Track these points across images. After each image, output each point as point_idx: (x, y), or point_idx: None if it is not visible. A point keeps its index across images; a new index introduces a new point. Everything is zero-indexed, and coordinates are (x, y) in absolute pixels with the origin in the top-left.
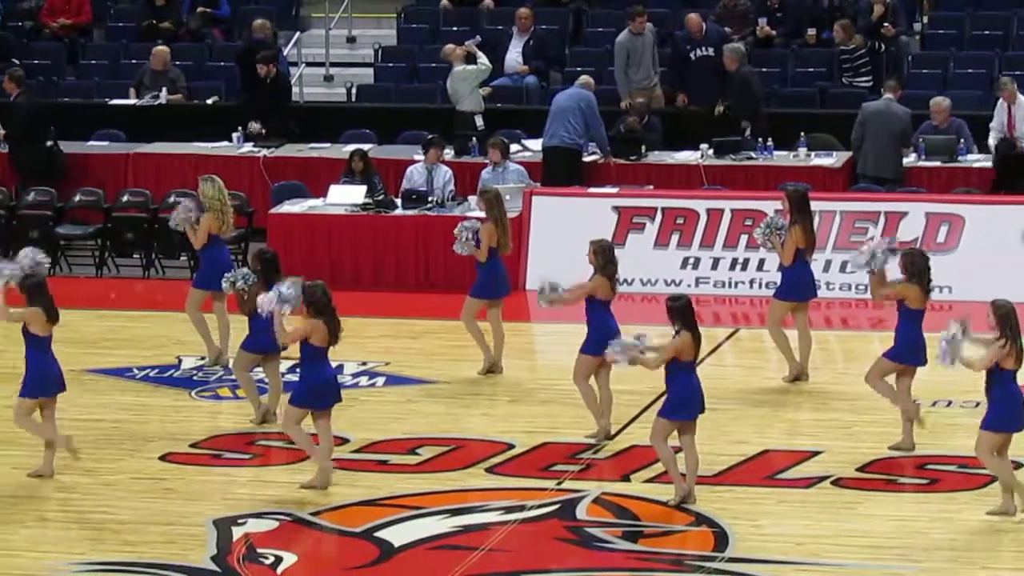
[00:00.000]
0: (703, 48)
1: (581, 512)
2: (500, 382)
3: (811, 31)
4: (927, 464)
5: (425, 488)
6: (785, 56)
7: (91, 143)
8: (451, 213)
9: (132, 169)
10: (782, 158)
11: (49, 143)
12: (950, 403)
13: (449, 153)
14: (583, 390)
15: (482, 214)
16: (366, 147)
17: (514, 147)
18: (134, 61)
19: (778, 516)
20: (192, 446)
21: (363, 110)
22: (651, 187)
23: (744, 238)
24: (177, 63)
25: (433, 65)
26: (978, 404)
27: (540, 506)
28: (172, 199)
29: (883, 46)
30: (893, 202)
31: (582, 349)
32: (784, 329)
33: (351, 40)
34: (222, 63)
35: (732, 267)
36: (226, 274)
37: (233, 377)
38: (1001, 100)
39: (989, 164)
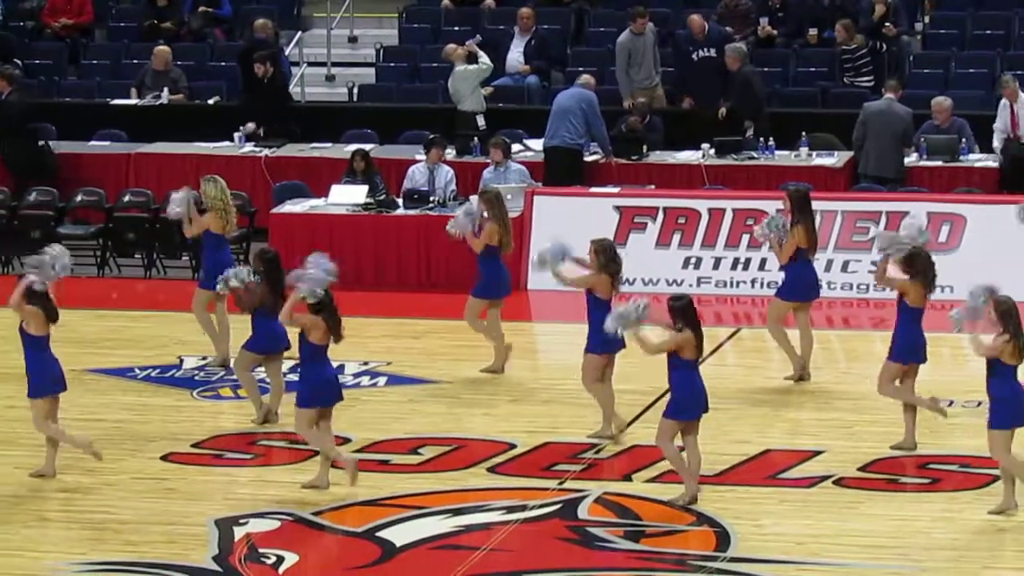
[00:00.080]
0: (705, 49)
1: (583, 512)
2: (501, 382)
3: (812, 31)
4: (929, 464)
5: (427, 488)
6: (786, 56)
7: (92, 143)
8: (453, 213)
9: (134, 169)
10: (784, 158)
11: (40, 142)
12: (952, 403)
13: (451, 153)
14: (594, 392)
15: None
16: (368, 147)
17: (516, 147)
18: (135, 61)
19: (780, 516)
20: (194, 446)
21: (365, 110)
22: (653, 187)
23: (746, 238)
24: (178, 63)
25: (435, 65)
26: (980, 404)
27: (542, 506)
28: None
29: (884, 46)
30: (895, 202)
31: (588, 349)
32: (785, 330)
33: (353, 40)
34: (223, 63)
35: (734, 267)
36: (219, 276)
37: (234, 377)
38: (1004, 99)
39: (991, 164)
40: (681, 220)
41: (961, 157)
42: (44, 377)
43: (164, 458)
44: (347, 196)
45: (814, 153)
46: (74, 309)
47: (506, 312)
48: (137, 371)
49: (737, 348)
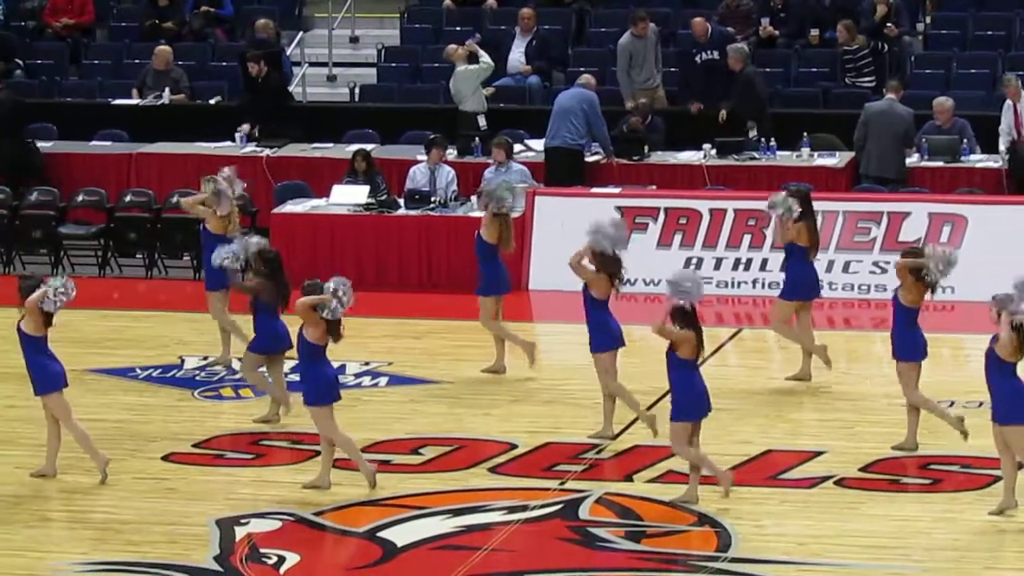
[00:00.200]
0: (708, 51)
1: (584, 512)
2: (503, 382)
3: (814, 31)
4: (930, 464)
5: (428, 488)
6: (788, 56)
7: (94, 143)
8: (454, 213)
9: (135, 169)
10: (785, 158)
11: (28, 140)
12: (952, 403)
13: (452, 153)
14: (618, 391)
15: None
16: (369, 147)
17: (517, 147)
18: (137, 61)
19: (781, 516)
20: (195, 446)
21: (366, 110)
22: (654, 187)
23: (747, 238)
24: (180, 63)
25: (436, 65)
26: (981, 404)
27: (543, 506)
28: (175, 199)
29: (886, 46)
30: (896, 202)
31: (595, 350)
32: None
33: (354, 40)
34: (225, 63)
35: (735, 267)
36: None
37: (236, 377)
38: (1007, 100)
39: (992, 164)
40: (682, 220)
41: (962, 158)
42: (49, 375)
43: (165, 458)
44: (348, 196)
45: (815, 153)
46: (75, 309)
47: (507, 312)
48: (138, 371)
49: (738, 348)
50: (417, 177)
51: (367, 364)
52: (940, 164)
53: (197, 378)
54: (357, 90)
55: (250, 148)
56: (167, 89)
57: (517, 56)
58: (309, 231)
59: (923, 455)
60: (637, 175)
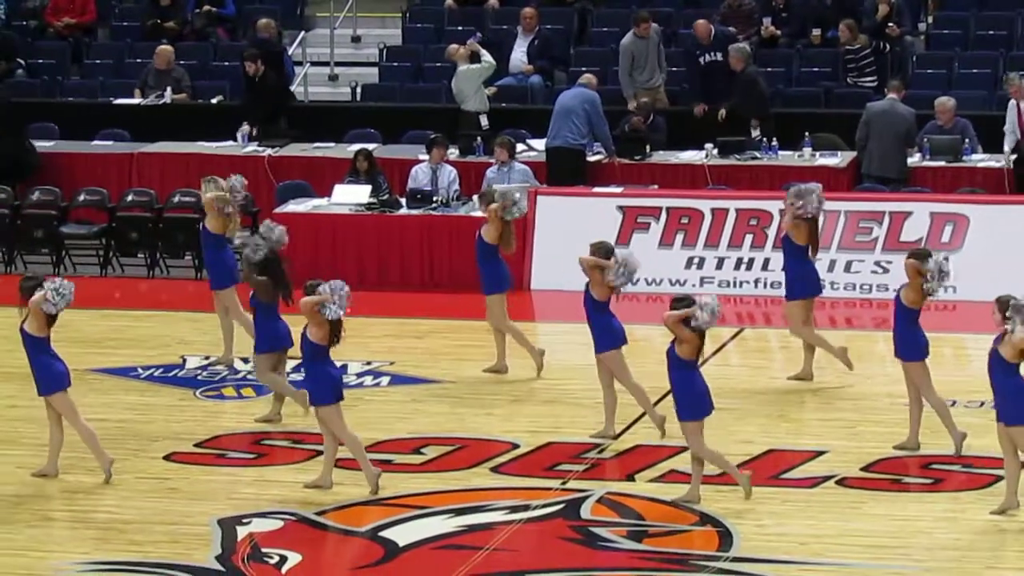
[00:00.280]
0: (712, 53)
1: (586, 512)
2: (504, 382)
3: (816, 31)
4: (932, 464)
5: (430, 488)
6: (790, 56)
7: (95, 142)
8: (456, 213)
9: (136, 169)
10: (787, 158)
11: (25, 140)
12: (954, 402)
13: (454, 153)
14: (633, 389)
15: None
16: (371, 147)
17: (519, 147)
18: (138, 60)
19: (782, 516)
20: (196, 446)
21: (368, 110)
22: (656, 187)
23: (749, 238)
24: (181, 62)
25: (438, 65)
26: (982, 404)
27: (545, 505)
28: (177, 199)
29: (888, 46)
30: (898, 202)
31: (601, 350)
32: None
33: (356, 39)
34: (227, 63)
35: (737, 267)
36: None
37: (237, 377)
38: (1011, 100)
39: (994, 164)
40: (684, 220)
41: (964, 157)
42: (52, 374)
43: (167, 458)
44: (350, 196)
45: (817, 153)
46: (77, 309)
47: (510, 312)
48: (140, 371)
49: (740, 348)
50: (419, 177)
51: (369, 364)
52: (942, 164)
53: (199, 378)
54: (359, 90)
55: (252, 148)
56: (169, 89)
57: (519, 56)
58: (311, 231)
59: (925, 455)
60: (639, 175)
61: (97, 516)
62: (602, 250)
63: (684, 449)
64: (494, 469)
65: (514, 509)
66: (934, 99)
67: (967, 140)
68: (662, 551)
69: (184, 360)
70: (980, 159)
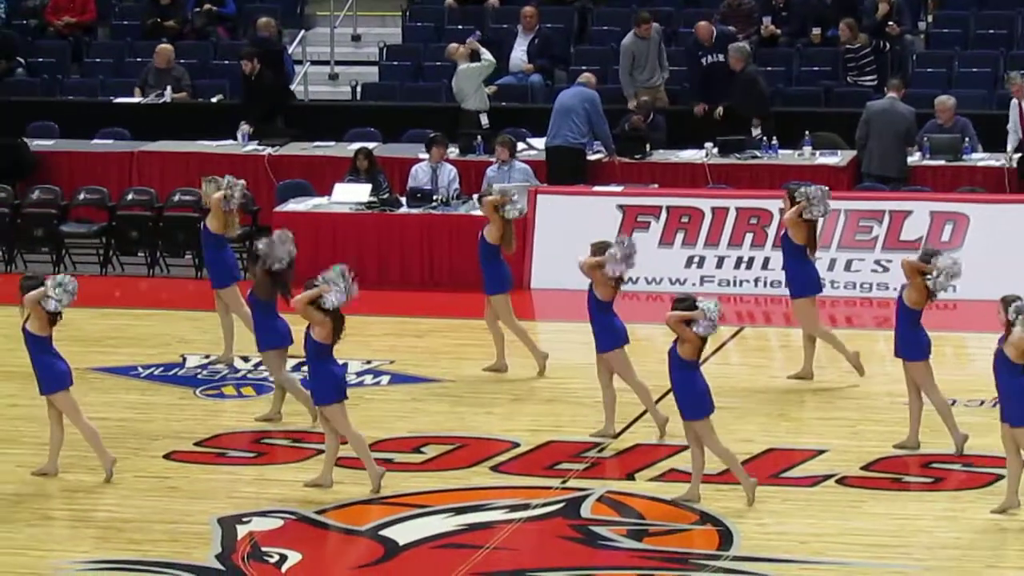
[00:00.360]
0: (714, 54)
1: (586, 511)
2: (504, 380)
3: (816, 30)
4: (932, 463)
5: (430, 486)
6: (790, 55)
7: (95, 141)
8: (456, 212)
9: (136, 167)
10: (787, 157)
11: (19, 139)
12: (954, 401)
13: (454, 152)
14: (637, 388)
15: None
16: (371, 145)
17: (519, 146)
18: (139, 59)
19: (783, 515)
20: (196, 444)
21: (368, 108)
22: (656, 186)
23: (749, 237)
24: (182, 61)
25: (438, 63)
26: (982, 403)
27: (545, 504)
28: (177, 198)
29: (888, 45)
30: (898, 201)
31: (604, 349)
32: (788, 329)
33: (356, 38)
34: (227, 61)
35: (737, 266)
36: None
37: (237, 375)
38: (1013, 99)
39: (994, 163)
40: (684, 219)
41: (964, 156)
42: (55, 373)
43: (167, 456)
44: (350, 195)
45: (817, 152)
46: (77, 308)
47: None
48: (140, 369)
49: (740, 347)
50: (419, 175)
51: (369, 363)
52: (942, 163)
53: (199, 376)
54: (359, 88)
55: (252, 147)
56: (169, 87)
57: (519, 54)
58: (311, 230)
59: (925, 454)
60: (639, 174)
61: (97, 515)
62: (601, 250)
63: (684, 448)
64: (494, 468)
65: (514, 508)
66: (934, 98)
67: (967, 139)
68: (662, 550)
69: (184, 359)
70: (980, 158)
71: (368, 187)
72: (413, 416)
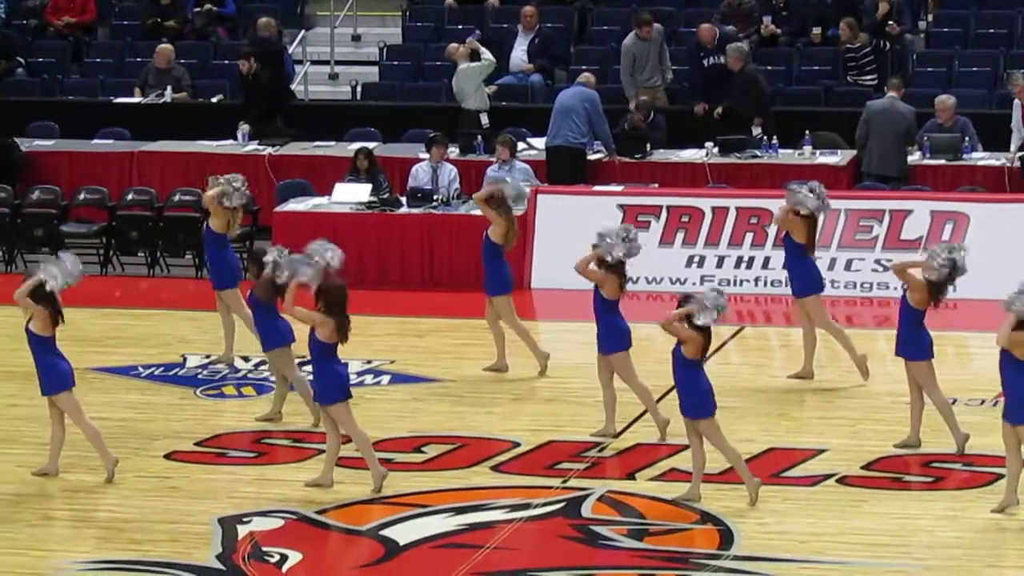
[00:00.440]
0: (715, 56)
1: (586, 510)
2: (505, 380)
3: (816, 29)
4: (932, 462)
5: (430, 486)
6: (790, 55)
7: (96, 141)
8: (456, 212)
9: (137, 167)
10: (787, 156)
11: (9, 139)
12: (955, 401)
13: (454, 151)
14: (638, 389)
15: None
16: (371, 145)
17: (519, 145)
18: (139, 59)
19: (783, 514)
20: (197, 444)
21: (368, 108)
22: (656, 185)
23: (749, 236)
24: (182, 61)
25: (438, 63)
26: (983, 402)
27: (545, 504)
28: (177, 197)
29: (888, 44)
30: (898, 200)
31: (608, 351)
32: (789, 328)
33: (356, 38)
34: (227, 61)
35: (737, 265)
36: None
37: (238, 375)
38: (1015, 99)
39: (994, 162)
40: (685, 219)
41: (964, 156)
42: (58, 374)
43: (168, 456)
44: (351, 195)
45: (817, 151)
46: (77, 307)
47: None
48: (141, 369)
49: (741, 347)
50: (419, 175)
51: (369, 362)
52: (942, 162)
53: (199, 376)
54: (359, 88)
55: (252, 147)
56: (169, 87)
57: (519, 54)
58: (311, 229)
59: (925, 453)
60: (639, 173)
61: (98, 515)
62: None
63: (684, 448)
64: (495, 468)
65: (515, 508)
66: (934, 97)
67: (967, 138)
68: (663, 550)
69: (184, 359)
70: (980, 157)
71: (368, 187)
72: (414, 416)
